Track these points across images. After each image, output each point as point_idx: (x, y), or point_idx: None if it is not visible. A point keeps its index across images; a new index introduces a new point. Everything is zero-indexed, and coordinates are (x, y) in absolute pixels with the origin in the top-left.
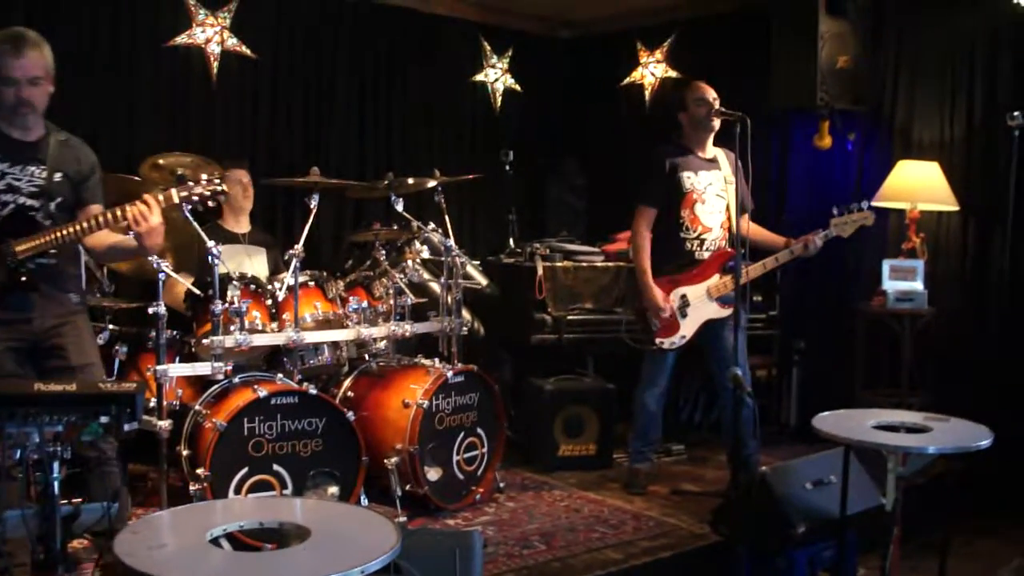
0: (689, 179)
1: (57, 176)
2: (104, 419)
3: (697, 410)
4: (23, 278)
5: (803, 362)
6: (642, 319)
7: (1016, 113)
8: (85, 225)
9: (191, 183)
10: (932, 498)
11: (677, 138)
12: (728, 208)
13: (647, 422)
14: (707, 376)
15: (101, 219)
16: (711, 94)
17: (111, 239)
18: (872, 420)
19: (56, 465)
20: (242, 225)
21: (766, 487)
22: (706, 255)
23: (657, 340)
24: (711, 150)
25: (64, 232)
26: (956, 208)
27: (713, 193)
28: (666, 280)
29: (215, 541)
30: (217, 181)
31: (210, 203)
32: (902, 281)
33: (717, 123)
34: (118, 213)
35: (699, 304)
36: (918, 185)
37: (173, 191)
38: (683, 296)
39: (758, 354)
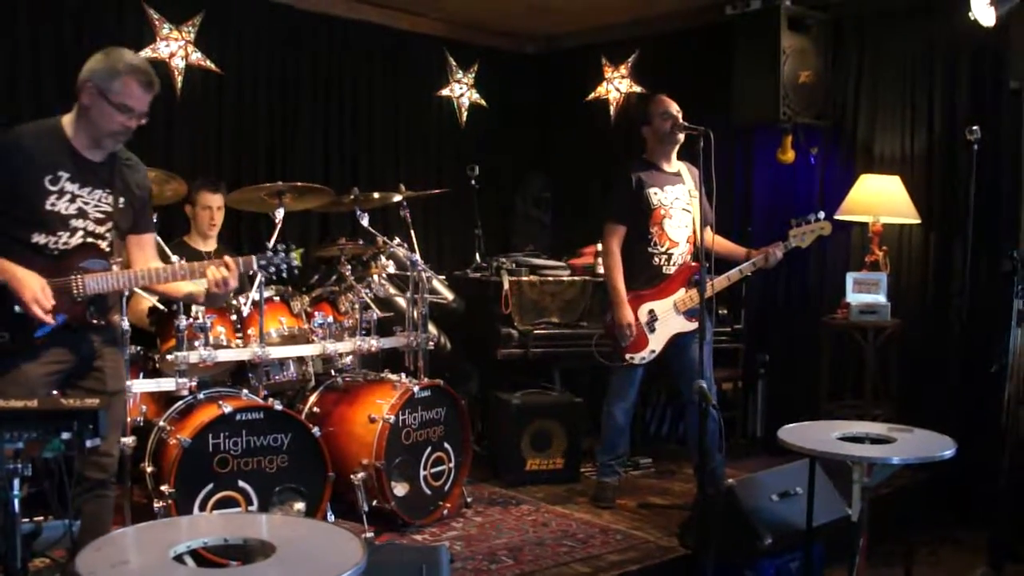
0: (656, 195)
1: (121, 202)
2: (66, 435)
3: (664, 423)
4: (91, 317)
5: (768, 375)
6: (611, 335)
7: (975, 127)
8: (156, 273)
9: (270, 254)
10: (897, 508)
11: (640, 153)
12: (694, 222)
13: (615, 436)
14: (674, 390)
15: (179, 271)
16: (674, 107)
17: (186, 288)
18: (837, 432)
19: (16, 482)
20: (208, 243)
21: (733, 499)
22: (672, 269)
23: (627, 356)
24: (675, 164)
25: (131, 276)
26: (918, 221)
27: (680, 207)
28: (633, 296)
29: (179, 558)
30: (295, 259)
31: (284, 275)
32: (866, 294)
33: (681, 136)
34: (196, 269)
35: (667, 318)
36: (880, 198)
37: (253, 258)
38: (651, 311)
39: (723, 367)
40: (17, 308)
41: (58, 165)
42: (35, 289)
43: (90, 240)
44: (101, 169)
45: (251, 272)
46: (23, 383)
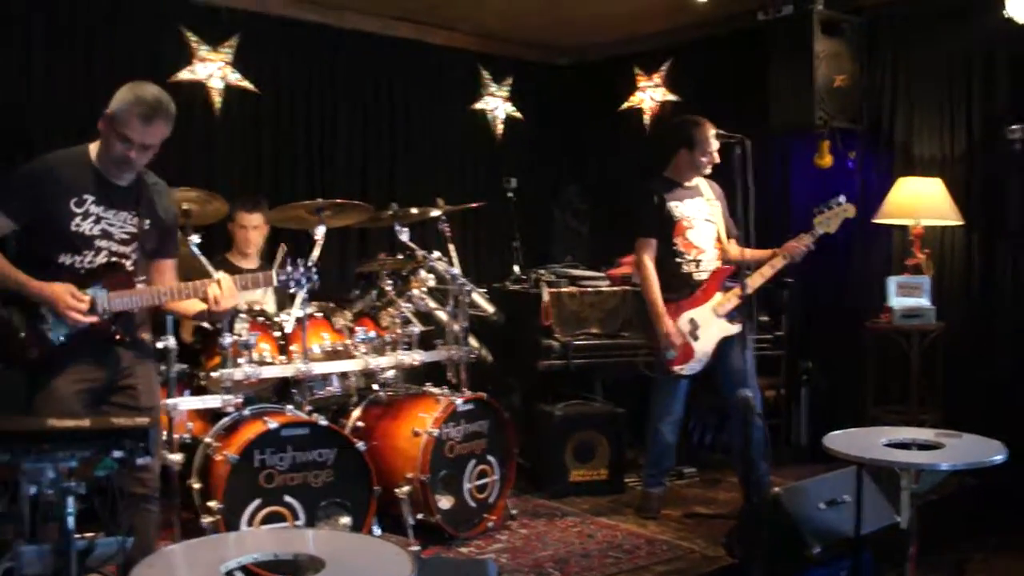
0: (677, 208)
1: (147, 224)
2: (118, 454)
3: (708, 432)
4: (115, 333)
5: (812, 381)
6: (656, 350)
7: (1015, 126)
8: (169, 290)
9: (290, 268)
10: (947, 515)
11: (661, 171)
12: (717, 231)
13: (662, 452)
14: (718, 399)
15: (184, 289)
16: (715, 143)
17: (197, 307)
18: (884, 438)
19: (71, 500)
20: (249, 261)
21: (780, 508)
22: (704, 276)
23: (675, 368)
24: (693, 180)
25: (153, 293)
26: (960, 223)
27: (702, 219)
28: (672, 307)
29: (229, 574)
30: (313, 271)
31: (304, 287)
32: (908, 298)
33: (709, 169)
34: (199, 290)
35: (708, 324)
36: (920, 201)
37: (273, 273)
38: (692, 320)
39: (766, 375)
40: (48, 323)
41: (83, 189)
42: (65, 296)
43: (114, 260)
44: (127, 192)
45: (271, 286)
46: (56, 401)
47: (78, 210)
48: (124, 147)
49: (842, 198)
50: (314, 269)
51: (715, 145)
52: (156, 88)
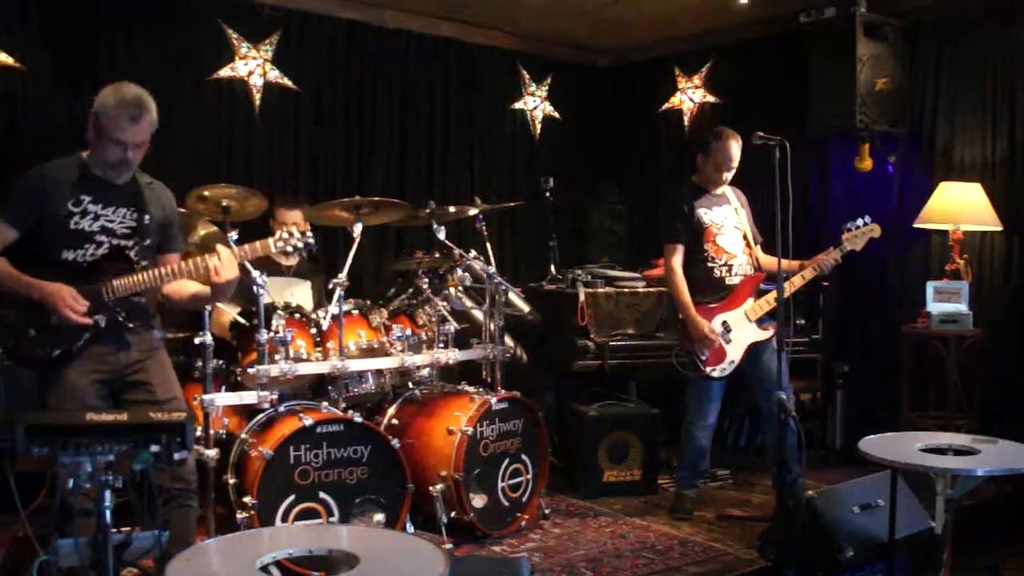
0: (706, 214)
1: (147, 219)
2: (155, 448)
3: (742, 435)
4: (120, 316)
5: (848, 385)
6: (689, 352)
7: None
8: (170, 270)
9: (286, 235)
10: (982, 521)
11: (690, 177)
12: (745, 237)
13: (696, 455)
14: (752, 401)
15: (184, 267)
16: (736, 156)
17: (191, 288)
18: (919, 443)
19: (108, 494)
20: (290, 259)
21: (814, 511)
22: (736, 280)
23: (708, 369)
24: (720, 188)
25: (155, 274)
26: (1000, 228)
27: (731, 226)
28: (703, 309)
29: (265, 569)
30: (310, 236)
31: (304, 253)
32: (946, 303)
33: (728, 176)
34: (200, 264)
35: (740, 328)
36: (960, 206)
37: (270, 241)
38: (724, 323)
39: (802, 378)
40: (54, 319)
41: (80, 190)
42: (64, 296)
43: (115, 250)
44: (123, 190)
45: (269, 254)
46: (71, 395)
47: (76, 209)
48: (119, 150)
49: (868, 218)
50: (309, 234)
51: (735, 158)
52: (135, 87)
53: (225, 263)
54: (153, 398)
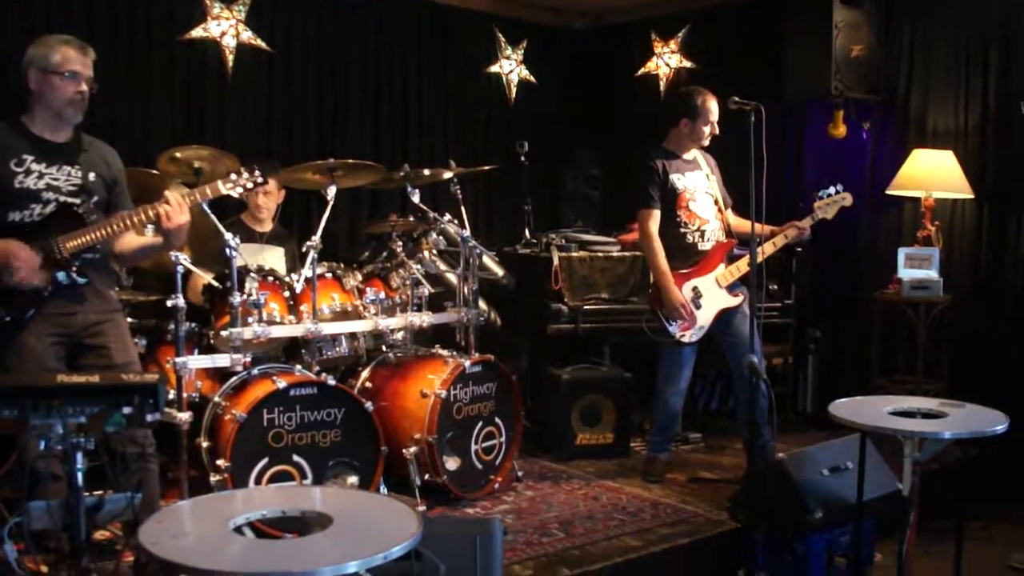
0: (679, 180)
1: (91, 176)
2: (127, 410)
3: (713, 399)
4: (73, 270)
5: (819, 350)
6: (658, 316)
7: None
8: (122, 224)
9: (234, 176)
10: (947, 484)
11: (661, 141)
12: (717, 202)
13: (667, 420)
14: (723, 365)
15: (136, 218)
16: (717, 115)
17: (139, 241)
18: (888, 406)
19: (80, 456)
20: (264, 225)
21: (784, 473)
22: (708, 246)
23: (678, 335)
24: (691, 152)
25: (107, 229)
26: (971, 196)
27: (702, 191)
28: (675, 275)
29: (238, 530)
30: (255, 170)
31: (251, 187)
32: (917, 269)
33: (708, 141)
34: (149, 212)
35: (711, 294)
36: (933, 173)
37: (219, 183)
38: (695, 288)
39: (774, 343)
40: (8, 281)
41: (21, 150)
42: (17, 250)
43: (63, 208)
44: (65, 148)
45: (219, 196)
46: (30, 355)
47: (19, 169)
48: (74, 84)
49: (840, 186)
50: (255, 168)
51: (717, 116)
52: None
53: (175, 207)
54: (111, 362)
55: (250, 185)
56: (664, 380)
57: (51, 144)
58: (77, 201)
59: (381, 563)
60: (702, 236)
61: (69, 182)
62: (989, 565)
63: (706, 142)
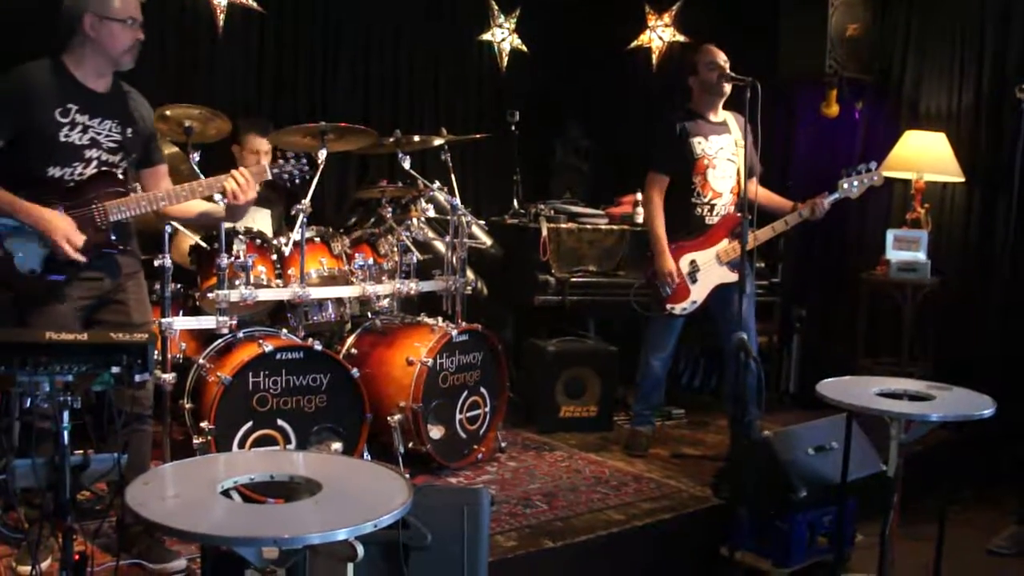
0: (700, 144)
1: (130, 132)
2: (115, 369)
3: (697, 375)
4: (114, 240)
5: (804, 329)
6: (652, 285)
7: None
8: (171, 194)
9: (282, 161)
10: (931, 466)
11: (686, 103)
12: (739, 172)
13: (651, 386)
14: (708, 342)
15: (196, 188)
16: (722, 58)
17: (200, 207)
18: (875, 387)
19: (66, 414)
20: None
21: (769, 451)
22: (715, 220)
23: (668, 306)
24: (721, 114)
25: (153, 198)
26: (962, 179)
27: (724, 158)
28: (675, 246)
29: (226, 493)
30: (304, 163)
31: (297, 181)
32: (905, 251)
33: (728, 88)
34: (213, 183)
35: (709, 269)
36: (924, 155)
37: (267, 165)
38: (692, 262)
39: (759, 321)
40: (44, 251)
41: (67, 98)
42: (66, 229)
43: (104, 169)
44: (108, 100)
45: (266, 179)
46: (54, 317)
47: (64, 120)
48: (133, 31)
49: (873, 164)
50: (304, 161)
51: (721, 60)
52: None
53: (244, 185)
54: (128, 320)
55: (296, 173)
56: (650, 346)
57: (95, 94)
58: (116, 159)
59: (370, 531)
60: (711, 210)
61: (110, 138)
62: (971, 549)
63: (726, 89)
